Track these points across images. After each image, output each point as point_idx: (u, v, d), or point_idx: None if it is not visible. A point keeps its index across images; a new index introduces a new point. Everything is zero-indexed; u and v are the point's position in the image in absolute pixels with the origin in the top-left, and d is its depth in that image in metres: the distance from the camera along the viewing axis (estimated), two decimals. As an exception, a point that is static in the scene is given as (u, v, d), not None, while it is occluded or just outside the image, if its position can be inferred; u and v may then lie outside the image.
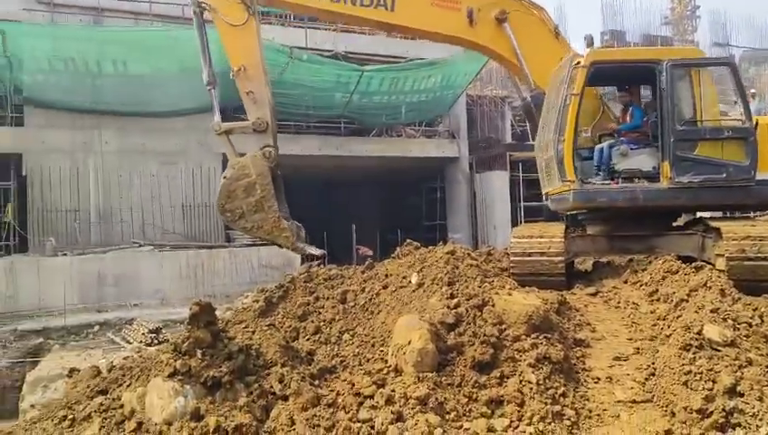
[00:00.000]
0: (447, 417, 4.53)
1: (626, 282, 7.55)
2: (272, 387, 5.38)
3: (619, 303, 6.94)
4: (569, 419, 4.48)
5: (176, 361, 5.49)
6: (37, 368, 11.78)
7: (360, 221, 26.97)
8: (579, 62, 7.82)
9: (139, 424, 4.82)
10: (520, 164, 23.52)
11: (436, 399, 4.59)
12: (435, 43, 25.46)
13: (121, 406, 5.21)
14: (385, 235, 27.10)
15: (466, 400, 4.73)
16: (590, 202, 7.82)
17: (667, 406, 4.61)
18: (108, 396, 5.52)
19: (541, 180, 8.87)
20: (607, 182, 7.84)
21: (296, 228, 8.53)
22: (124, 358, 7.71)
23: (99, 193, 18.61)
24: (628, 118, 8.54)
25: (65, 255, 17.02)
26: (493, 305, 5.63)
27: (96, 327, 14.64)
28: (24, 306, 15.61)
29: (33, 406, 10.61)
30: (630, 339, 5.95)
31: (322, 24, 23.26)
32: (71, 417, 5.34)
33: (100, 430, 4.87)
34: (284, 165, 24.19)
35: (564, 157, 7.67)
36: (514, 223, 22.15)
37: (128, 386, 5.51)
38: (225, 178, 7.94)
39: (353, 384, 4.95)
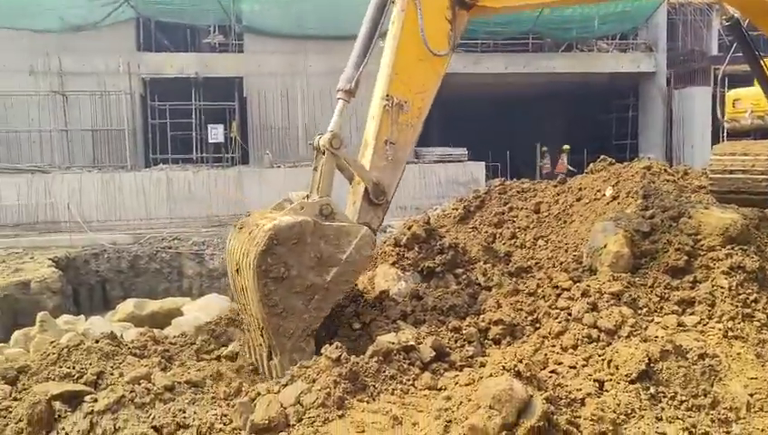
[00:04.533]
0: (639, 312, 5.05)
1: (841, 201, 7.23)
2: (477, 279, 6.30)
3: (829, 221, 6.74)
4: (758, 321, 4.78)
5: (397, 252, 6.63)
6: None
7: (544, 140, 26.77)
8: None
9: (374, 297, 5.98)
10: (726, 79, 21.56)
11: (630, 295, 5.12)
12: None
13: (356, 285, 6.44)
14: (570, 153, 26.66)
15: (658, 299, 5.19)
16: None
17: None
18: (344, 277, 6.79)
19: None
20: None
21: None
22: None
23: (305, 112, 20.68)
24: None
25: (279, 167, 19.42)
26: (689, 217, 5.91)
27: (308, 230, 16.81)
28: (250, 210, 18.30)
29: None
30: (837, 255, 5.89)
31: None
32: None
33: (343, 299, 6.12)
34: (469, 84, 24.51)
35: None
36: (715, 143, 20.67)
37: (360, 270, 6.72)
38: (316, 221, 4.69)
39: (551, 278, 5.65)
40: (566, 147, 25.14)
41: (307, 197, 5.12)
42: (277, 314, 4.58)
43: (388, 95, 5.20)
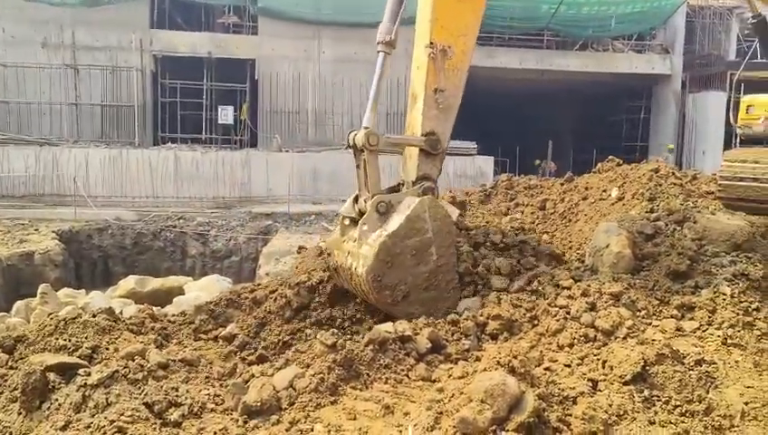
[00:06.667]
0: (638, 314, 5.02)
1: None
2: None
3: (837, 233, 6.67)
4: (759, 329, 4.72)
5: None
6: (269, 244, 14.05)
7: (553, 137, 26.63)
8: None
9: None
10: (742, 85, 21.35)
11: (629, 297, 5.08)
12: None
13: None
14: (579, 153, 26.54)
15: (658, 302, 5.15)
16: None
17: None
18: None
19: None
20: None
21: None
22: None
23: (315, 97, 20.64)
24: None
25: (287, 151, 19.41)
26: (694, 222, 5.87)
27: (312, 216, 16.83)
28: (256, 193, 18.38)
29: (267, 274, 12.82)
30: (844, 268, 5.83)
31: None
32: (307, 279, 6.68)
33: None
34: (482, 78, 24.48)
35: None
36: (728, 149, 20.52)
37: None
38: (387, 234, 4.87)
39: (553, 277, 5.62)
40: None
41: (356, 198, 5.24)
42: (426, 314, 4.94)
43: (431, 42, 5.10)
